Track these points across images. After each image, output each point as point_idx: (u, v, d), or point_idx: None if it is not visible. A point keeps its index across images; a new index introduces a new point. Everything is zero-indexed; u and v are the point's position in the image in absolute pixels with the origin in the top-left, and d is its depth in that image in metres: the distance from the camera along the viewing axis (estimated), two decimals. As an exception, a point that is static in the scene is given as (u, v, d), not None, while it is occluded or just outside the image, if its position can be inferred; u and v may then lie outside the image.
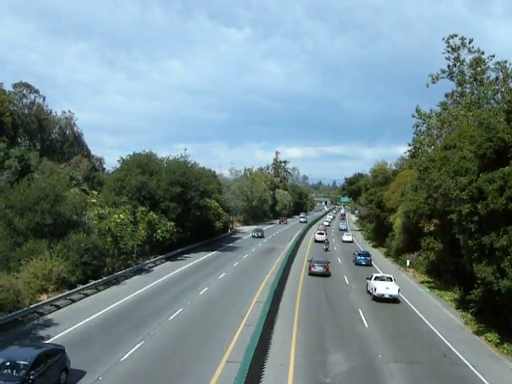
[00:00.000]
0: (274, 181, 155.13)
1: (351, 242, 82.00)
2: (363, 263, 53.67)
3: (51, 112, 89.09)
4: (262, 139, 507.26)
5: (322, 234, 79.59)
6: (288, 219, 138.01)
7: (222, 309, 30.79)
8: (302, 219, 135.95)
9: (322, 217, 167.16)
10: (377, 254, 68.08)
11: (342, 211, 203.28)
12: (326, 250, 65.67)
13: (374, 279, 37.13)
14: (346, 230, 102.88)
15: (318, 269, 45.11)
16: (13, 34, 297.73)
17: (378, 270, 50.30)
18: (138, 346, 22.60)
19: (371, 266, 53.06)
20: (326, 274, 45.07)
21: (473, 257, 27.26)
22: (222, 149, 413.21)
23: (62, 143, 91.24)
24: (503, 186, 24.65)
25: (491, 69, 53.16)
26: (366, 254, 56.40)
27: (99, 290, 34.15)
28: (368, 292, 37.73)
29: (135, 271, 41.89)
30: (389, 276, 37.78)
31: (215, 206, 69.79)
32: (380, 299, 35.25)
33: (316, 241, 77.02)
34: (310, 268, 45.82)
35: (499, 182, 24.83)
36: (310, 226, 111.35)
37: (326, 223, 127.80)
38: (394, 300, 35.04)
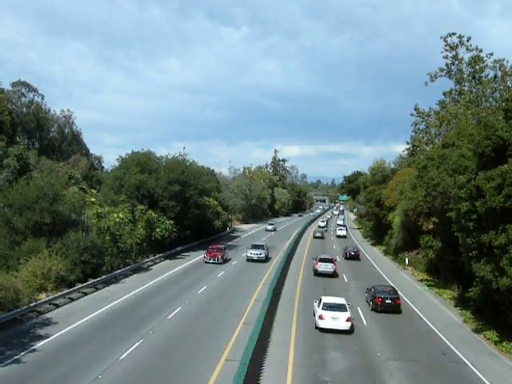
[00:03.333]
0: (273, 179, 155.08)
1: (342, 222, 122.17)
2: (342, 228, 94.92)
3: (50, 111, 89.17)
4: (261, 138, 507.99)
5: (324, 221, 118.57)
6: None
7: (220, 307, 30.79)
8: (251, 253, 51.68)
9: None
10: (375, 253, 68.23)
11: (341, 208, 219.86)
12: (326, 230, 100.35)
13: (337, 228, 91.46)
14: (342, 220, 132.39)
15: (317, 234, 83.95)
16: (11, 33, 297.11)
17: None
18: (137, 344, 22.60)
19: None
20: (323, 237, 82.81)
21: (471, 255, 27.27)
22: (221, 147, 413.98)
23: (60, 142, 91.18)
24: (501, 184, 24.67)
25: (489, 67, 53.25)
26: (344, 225, 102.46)
27: (98, 289, 34.12)
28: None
29: (134, 270, 41.86)
30: (343, 227, 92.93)
31: (214, 205, 69.75)
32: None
33: (319, 226, 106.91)
34: (313, 234, 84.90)
35: (498, 180, 24.84)
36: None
37: (329, 216, 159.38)
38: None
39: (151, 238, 49.18)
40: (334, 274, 43.95)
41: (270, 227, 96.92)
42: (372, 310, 32.48)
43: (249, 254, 51.40)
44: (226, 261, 49.62)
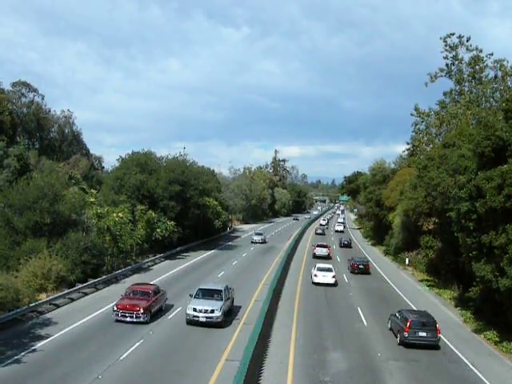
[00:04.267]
0: (273, 179, 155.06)
1: (342, 220, 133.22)
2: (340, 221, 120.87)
3: (50, 111, 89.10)
4: (261, 138, 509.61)
5: (325, 220, 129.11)
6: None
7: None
8: (194, 309, 25.76)
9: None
10: (375, 253, 68.24)
11: (342, 208, 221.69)
12: (327, 227, 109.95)
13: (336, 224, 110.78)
14: (342, 219, 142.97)
15: (319, 231, 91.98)
16: (11, 33, 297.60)
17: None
18: (138, 344, 22.62)
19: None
20: (324, 234, 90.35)
21: (471, 255, 27.27)
22: (221, 147, 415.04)
23: (60, 142, 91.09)
24: (501, 185, 24.65)
25: (490, 67, 53.22)
26: (342, 223, 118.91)
27: (98, 289, 34.13)
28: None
29: (134, 270, 41.87)
30: (341, 224, 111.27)
31: (214, 205, 69.74)
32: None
33: (321, 224, 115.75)
34: (315, 231, 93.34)
35: (497, 180, 24.83)
36: None
37: (329, 216, 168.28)
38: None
39: (151, 239, 49.22)
40: (327, 257, 55.25)
41: (256, 238, 70.56)
42: (351, 272, 46.76)
43: (189, 312, 26.02)
44: (157, 313, 27.70)
